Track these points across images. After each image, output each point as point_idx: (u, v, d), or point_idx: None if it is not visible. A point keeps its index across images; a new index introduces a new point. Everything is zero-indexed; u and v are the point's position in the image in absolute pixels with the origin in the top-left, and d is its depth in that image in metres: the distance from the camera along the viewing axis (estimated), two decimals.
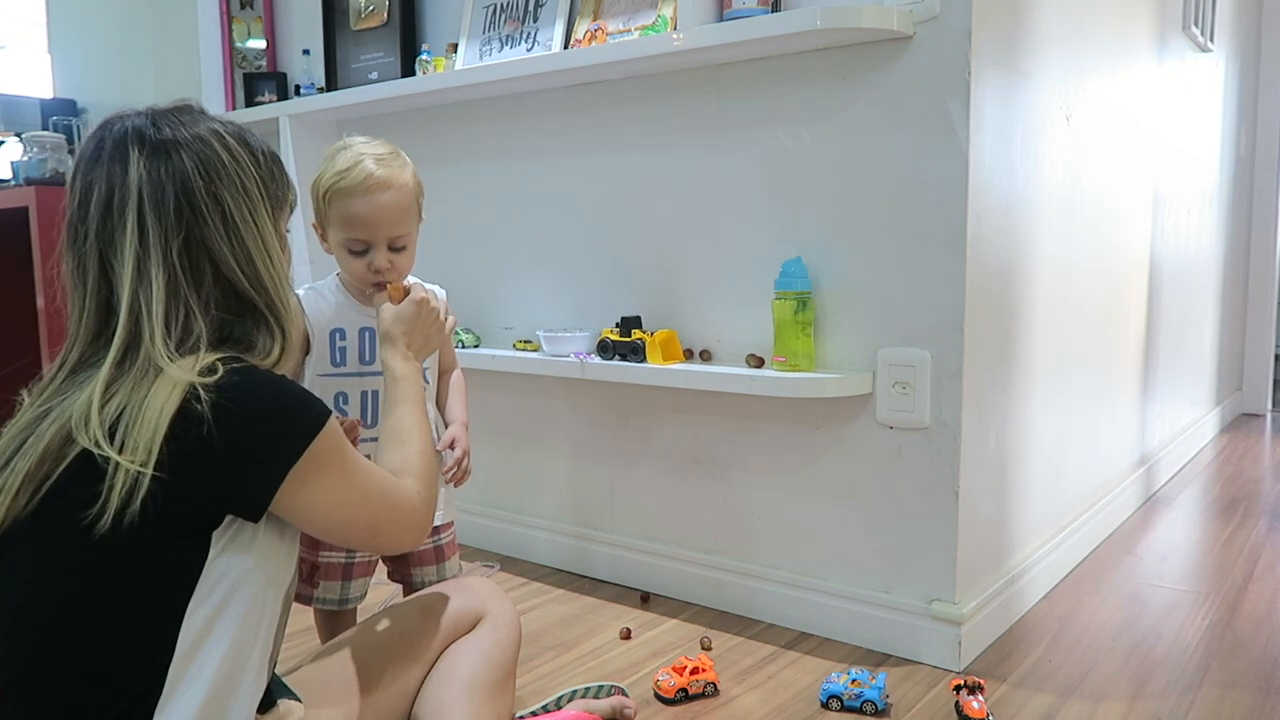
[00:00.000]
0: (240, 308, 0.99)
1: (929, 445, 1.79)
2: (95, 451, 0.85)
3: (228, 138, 1.01)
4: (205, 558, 0.90)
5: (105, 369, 0.90)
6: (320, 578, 1.49)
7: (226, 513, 0.91)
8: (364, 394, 1.49)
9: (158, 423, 0.85)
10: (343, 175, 1.37)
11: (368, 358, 1.48)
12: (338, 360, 1.47)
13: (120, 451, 0.85)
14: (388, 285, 1.36)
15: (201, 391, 0.87)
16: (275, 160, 1.08)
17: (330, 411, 0.98)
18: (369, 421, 1.49)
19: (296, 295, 1.45)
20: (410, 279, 1.43)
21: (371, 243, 1.40)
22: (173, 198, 0.95)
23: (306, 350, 1.46)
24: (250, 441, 0.90)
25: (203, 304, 0.96)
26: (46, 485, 0.87)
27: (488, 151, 2.40)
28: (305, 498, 0.95)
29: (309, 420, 0.95)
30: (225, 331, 0.98)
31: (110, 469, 0.85)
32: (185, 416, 0.87)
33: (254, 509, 0.92)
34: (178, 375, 0.88)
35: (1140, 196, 2.80)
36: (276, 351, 1.00)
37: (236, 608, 0.92)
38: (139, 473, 0.84)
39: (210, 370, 0.90)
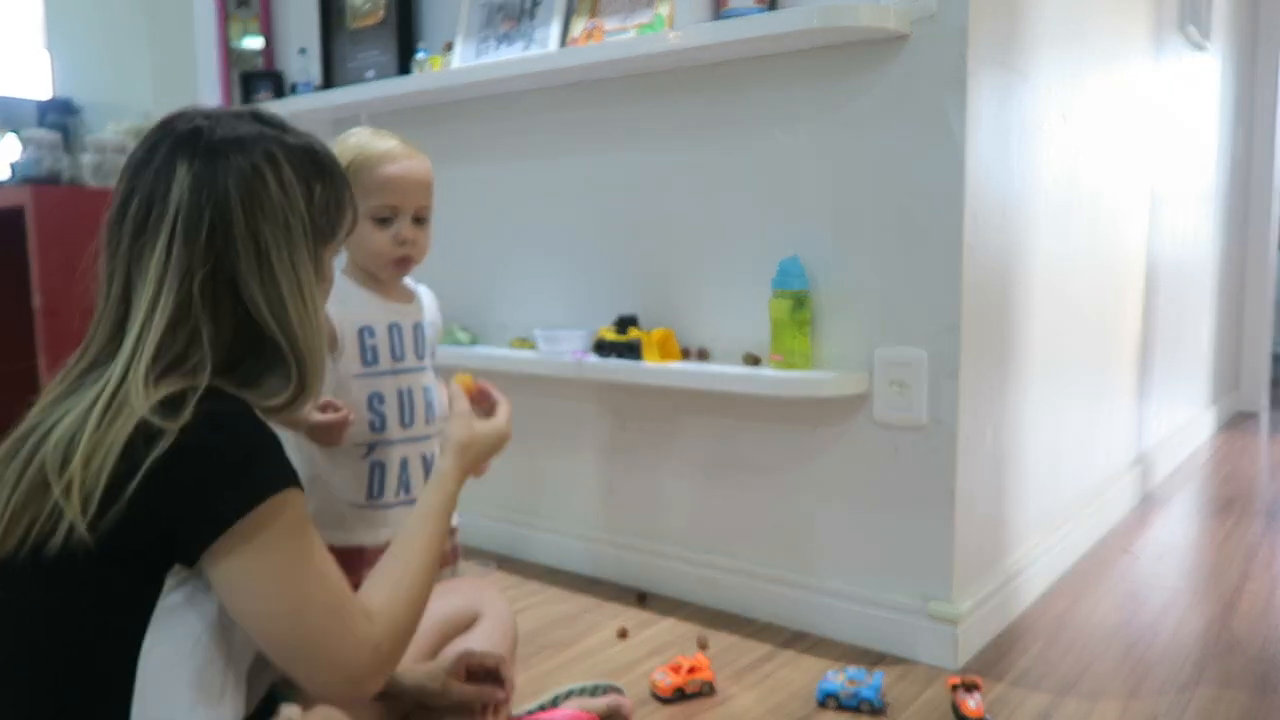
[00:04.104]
0: (259, 345, 0.92)
1: (925, 444, 1.79)
2: (61, 501, 0.81)
3: (284, 164, 0.93)
4: (158, 594, 0.84)
5: (101, 402, 0.84)
6: None
7: (167, 554, 0.85)
8: (400, 392, 1.46)
9: (104, 461, 0.81)
10: (367, 145, 1.39)
11: (398, 353, 1.47)
12: (369, 359, 1.44)
13: (75, 488, 0.81)
14: (457, 378, 1.28)
15: (155, 427, 0.82)
16: (334, 186, 0.99)
17: (296, 483, 0.88)
18: (407, 420, 1.47)
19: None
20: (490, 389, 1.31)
21: (399, 209, 1.41)
22: (207, 224, 0.89)
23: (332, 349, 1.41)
24: (193, 486, 0.83)
25: (215, 335, 0.90)
26: (33, 532, 0.83)
27: (484, 150, 2.40)
28: (231, 569, 0.84)
29: (267, 481, 0.86)
30: (233, 364, 0.91)
31: (64, 509, 0.81)
32: (132, 453, 0.81)
33: (187, 558, 0.85)
34: (135, 407, 0.83)
35: (1137, 195, 2.80)
36: (285, 397, 0.92)
37: (193, 646, 0.85)
38: (78, 514, 0.80)
39: (175, 403, 0.84)
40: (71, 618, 0.84)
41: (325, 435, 1.36)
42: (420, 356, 1.50)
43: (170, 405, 0.83)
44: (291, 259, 0.93)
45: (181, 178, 0.90)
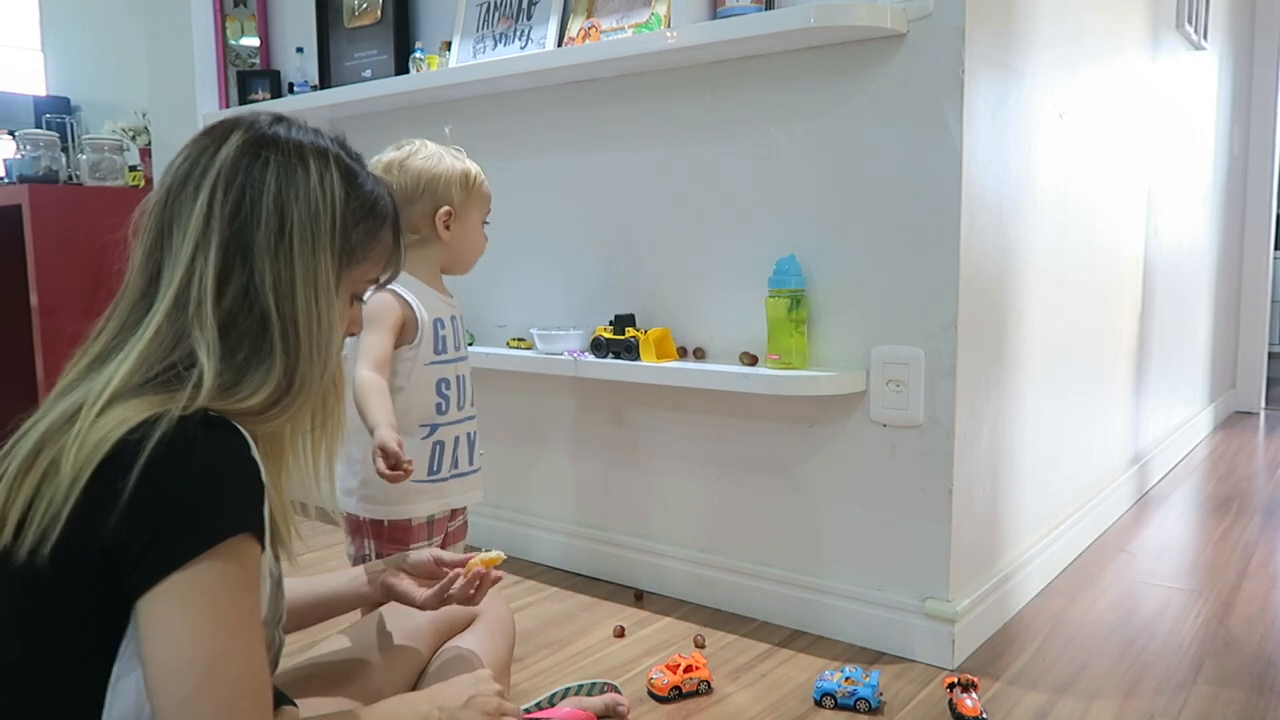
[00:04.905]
0: (249, 321, 0.89)
1: (922, 443, 1.79)
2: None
3: (332, 164, 0.95)
4: (126, 622, 0.81)
5: (84, 413, 0.81)
6: None
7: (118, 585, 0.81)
8: (459, 378, 1.66)
9: (73, 483, 0.78)
10: (474, 164, 1.68)
11: (457, 343, 1.67)
12: (440, 348, 1.62)
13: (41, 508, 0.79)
14: (481, 558, 1.27)
15: (125, 451, 0.79)
16: (374, 214, 0.99)
17: (255, 528, 0.83)
18: (461, 403, 1.66)
19: (392, 290, 1.53)
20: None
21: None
22: (242, 188, 0.90)
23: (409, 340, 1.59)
24: (147, 524, 0.79)
25: (221, 316, 0.88)
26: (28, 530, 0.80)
27: (481, 149, 2.38)
28: (157, 609, 0.79)
29: (223, 523, 0.81)
30: (225, 357, 0.88)
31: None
32: (97, 480, 0.79)
33: (134, 594, 0.80)
34: (111, 425, 0.80)
35: (1134, 194, 2.80)
36: (264, 396, 0.88)
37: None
38: (40, 533, 0.79)
39: (149, 425, 0.80)
40: (41, 633, 0.82)
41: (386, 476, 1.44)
42: (466, 346, 1.72)
43: (144, 428, 0.80)
44: (314, 248, 0.92)
45: (229, 147, 0.92)
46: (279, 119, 0.97)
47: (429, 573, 1.29)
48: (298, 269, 0.91)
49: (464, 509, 1.73)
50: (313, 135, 0.97)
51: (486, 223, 1.70)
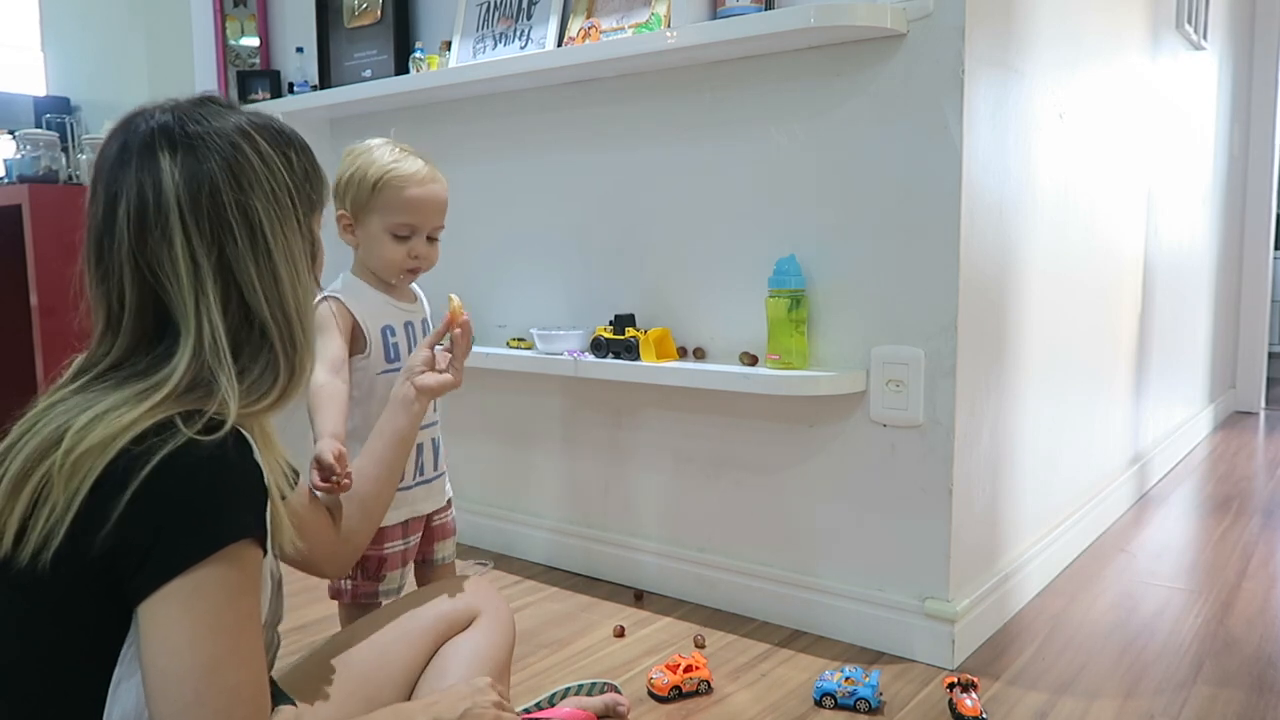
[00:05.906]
0: (250, 334, 0.90)
1: (922, 443, 1.79)
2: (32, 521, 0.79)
3: (258, 137, 0.92)
4: (128, 625, 0.81)
5: (163, 392, 0.83)
6: (386, 569, 1.54)
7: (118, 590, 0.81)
8: None
9: (78, 488, 0.78)
10: (397, 164, 1.47)
11: (413, 349, 1.57)
12: (392, 356, 1.53)
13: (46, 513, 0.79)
14: (451, 298, 1.39)
15: (128, 458, 0.79)
16: (307, 155, 0.98)
17: (258, 534, 0.84)
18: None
19: (337, 299, 1.48)
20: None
21: (416, 229, 1.49)
22: (206, 210, 0.87)
23: (360, 351, 1.51)
24: (147, 531, 0.79)
25: (231, 342, 0.88)
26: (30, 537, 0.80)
27: (481, 149, 2.40)
28: (157, 615, 0.79)
29: (225, 529, 0.81)
30: (236, 369, 0.89)
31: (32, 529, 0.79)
32: (101, 486, 0.78)
33: (133, 599, 0.80)
34: (121, 430, 0.80)
35: (1134, 194, 2.80)
36: (275, 394, 0.90)
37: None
38: (47, 535, 0.78)
39: (163, 430, 0.80)
40: (42, 635, 0.82)
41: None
42: None
43: (148, 436, 0.80)
44: (284, 231, 0.92)
45: (168, 170, 0.88)
46: (178, 116, 0.92)
47: (431, 362, 1.38)
48: (277, 258, 0.91)
49: (443, 509, 1.66)
50: (220, 114, 0.93)
51: (404, 236, 1.48)
